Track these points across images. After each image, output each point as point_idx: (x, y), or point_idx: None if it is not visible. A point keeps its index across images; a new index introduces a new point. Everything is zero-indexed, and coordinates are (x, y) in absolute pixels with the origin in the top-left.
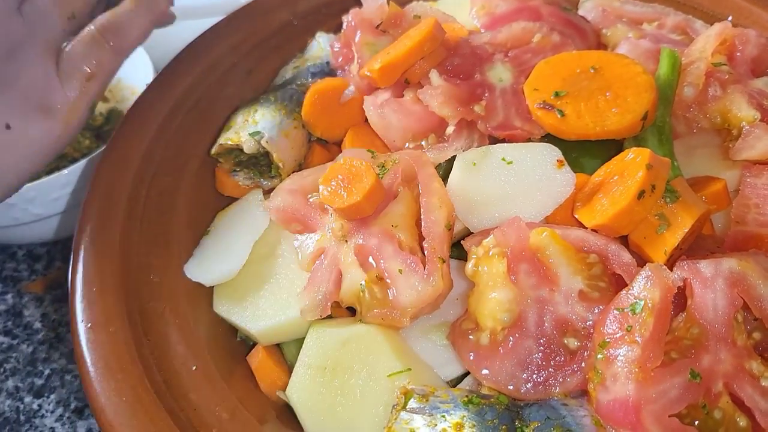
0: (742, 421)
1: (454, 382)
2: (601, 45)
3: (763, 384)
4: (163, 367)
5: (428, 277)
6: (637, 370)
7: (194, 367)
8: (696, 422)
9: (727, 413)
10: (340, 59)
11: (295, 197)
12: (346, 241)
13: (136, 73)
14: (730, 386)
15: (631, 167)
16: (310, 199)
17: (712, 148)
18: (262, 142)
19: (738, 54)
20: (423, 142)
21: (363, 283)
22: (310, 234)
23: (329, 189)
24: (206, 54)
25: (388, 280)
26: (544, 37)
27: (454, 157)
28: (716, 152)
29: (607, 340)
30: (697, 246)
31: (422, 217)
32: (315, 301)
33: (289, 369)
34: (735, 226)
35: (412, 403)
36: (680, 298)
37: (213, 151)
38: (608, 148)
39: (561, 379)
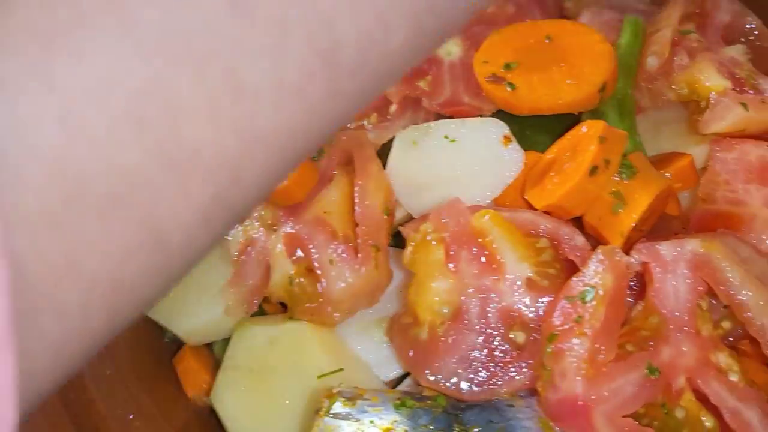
0: (708, 421)
1: (395, 383)
2: (563, 18)
3: (731, 379)
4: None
5: (360, 267)
6: (586, 365)
7: (108, 372)
8: (655, 423)
9: (691, 412)
10: None
11: None
12: (275, 230)
13: None
14: (694, 382)
15: (584, 141)
16: None
17: (679, 124)
18: None
19: (708, 21)
20: (365, 122)
21: (292, 275)
22: (238, 225)
23: None
24: None
25: (318, 272)
26: (498, 7)
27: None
28: (684, 128)
29: (556, 332)
30: (660, 227)
31: (355, 202)
32: (240, 296)
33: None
34: (702, 204)
35: (337, 407)
36: (641, 285)
37: None
38: (564, 123)
39: (507, 378)
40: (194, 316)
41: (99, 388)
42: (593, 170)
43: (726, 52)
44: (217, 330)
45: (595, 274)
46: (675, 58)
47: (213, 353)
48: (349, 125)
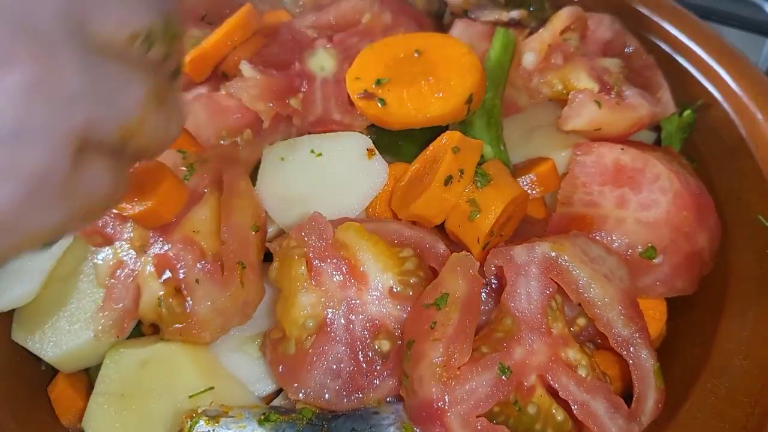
0: (559, 415)
1: (270, 399)
2: (440, 29)
3: (580, 373)
4: None
5: (225, 286)
6: (440, 370)
7: None
8: (510, 420)
9: (543, 407)
10: None
11: None
12: (145, 251)
13: None
14: (545, 378)
15: (441, 151)
16: None
17: (549, 129)
18: None
19: (589, 34)
20: (238, 139)
21: (161, 296)
22: (107, 247)
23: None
24: None
25: (184, 292)
26: (374, 17)
27: None
28: (553, 132)
29: (413, 339)
30: (524, 231)
31: (222, 220)
32: (111, 320)
33: None
34: (560, 207)
35: (201, 427)
36: (500, 289)
37: None
38: (433, 134)
39: (374, 386)
40: (65, 343)
41: None
42: (447, 180)
43: (601, 62)
44: (90, 356)
45: (449, 280)
46: (551, 58)
47: (90, 379)
48: (222, 141)
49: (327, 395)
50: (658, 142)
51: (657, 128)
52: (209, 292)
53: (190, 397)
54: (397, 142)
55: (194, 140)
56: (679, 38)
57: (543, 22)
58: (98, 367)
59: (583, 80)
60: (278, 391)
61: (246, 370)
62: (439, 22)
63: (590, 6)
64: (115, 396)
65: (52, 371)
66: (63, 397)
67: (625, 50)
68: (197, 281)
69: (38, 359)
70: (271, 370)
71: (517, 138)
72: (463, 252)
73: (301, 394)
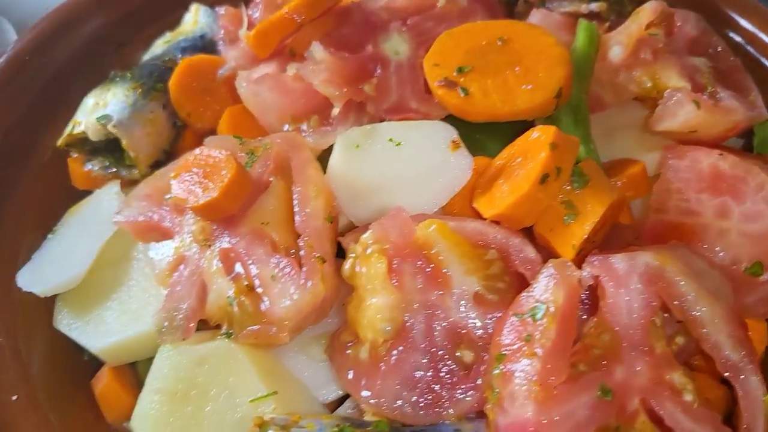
0: None
1: (334, 405)
2: (512, 18)
3: (686, 398)
4: None
5: (305, 281)
6: (537, 388)
7: (15, 397)
8: None
9: None
10: (223, 32)
11: (148, 203)
12: (210, 246)
13: None
14: (648, 402)
15: (534, 147)
16: (167, 197)
17: (633, 130)
18: (109, 127)
19: (676, 30)
20: (304, 126)
21: (231, 294)
22: (167, 241)
23: (182, 186)
24: (67, 24)
25: (259, 290)
26: (449, 2)
27: None
28: (637, 133)
29: (504, 352)
30: (612, 237)
31: (296, 209)
32: (174, 321)
33: None
34: (654, 214)
35: None
36: (593, 300)
37: (60, 141)
38: (517, 129)
39: (454, 400)
40: (112, 334)
41: (3, 417)
42: (544, 178)
43: (690, 60)
44: (140, 350)
45: (546, 290)
46: (640, 53)
47: (137, 374)
48: (285, 127)
49: (402, 407)
50: (744, 149)
51: (743, 134)
52: (287, 289)
53: (250, 401)
54: (474, 135)
55: (255, 124)
56: (765, 40)
57: (621, 16)
58: (146, 361)
59: (674, 79)
60: (343, 398)
61: (309, 374)
62: (511, 10)
63: (671, 2)
64: (168, 395)
65: (96, 363)
66: (108, 392)
67: (710, 50)
68: (273, 278)
69: (80, 349)
70: (338, 375)
71: (597, 138)
72: (562, 258)
73: (373, 403)
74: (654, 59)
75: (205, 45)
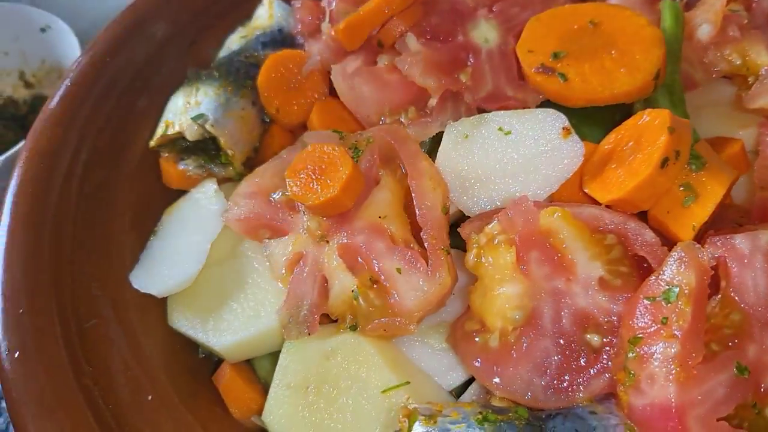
0: None
1: (458, 391)
2: None
3: None
4: (110, 401)
5: (433, 273)
6: (678, 369)
7: (150, 397)
8: (745, 424)
9: None
10: (301, 26)
11: (256, 200)
12: (327, 241)
13: (62, 52)
14: None
15: (650, 131)
16: (274, 197)
17: (721, 107)
18: (207, 127)
19: (755, 5)
20: (402, 117)
21: (355, 289)
22: (281, 239)
23: (299, 183)
24: (140, 25)
25: (385, 283)
26: None
27: (437, 134)
28: (726, 110)
29: (639, 335)
30: (720, 218)
31: (415, 203)
32: (300, 316)
33: (264, 387)
34: (761, 192)
35: (418, 427)
36: (712, 280)
37: (152, 142)
38: (612, 113)
39: (585, 383)
40: (235, 332)
41: (143, 417)
42: (664, 162)
43: None
44: (261, 346)
45: (678, 272)
46: (728, 30)
47: (253, 369)
48: (383, 119)
49: (533, 392)
50: None
51: None
52: (415, 282)
53: (383, 391)
54: (571, 121)
55: (353, 117)
56: None
57: None
58: (264, 357)
59: (763, 54)
60: (465, 384)
61: (431, 362)
62: None
63: None
64: (299, 390)
65: (210, 359)
66: (232, 387)
67: None
68: (399, 270)
69: (195, 346)
70: (465, 363)
71: None
72: (689, 241)
73: (506, 390)
74: (741, 36)
75: (284, 39)
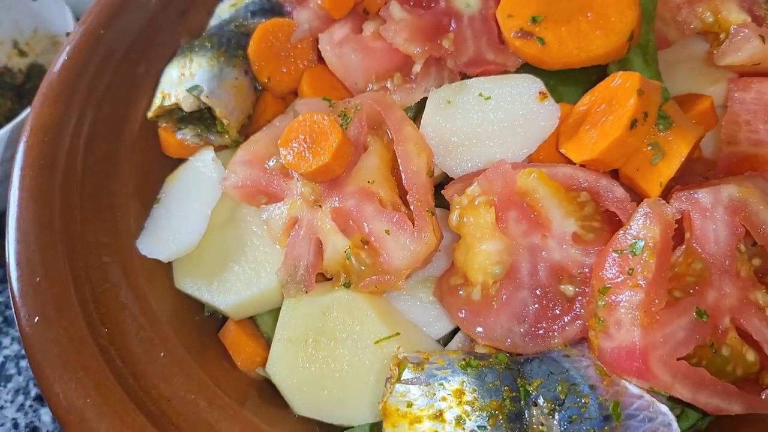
0: (750, 356)
1: (445, 340)
2: None
3: None
4: (127, 359)
5: (419, 234)
6: (642, 315)
7: (162, 354)
8: (703, 362)
9: (735, 349)
10: None
11: (252, 168)
12: (320, 206)
13: (53, 20)
14: (737, 320)
15: (620, 94)
16: (269, 164)
17: (693, 63)
18: (202, 98)
19: None
20: (388, 83)
21: (348, 250)
22: (277, 204)
23: (292, 152)
24: None
25: (375, 244)
26: None
27: (421, 100)
28: (698, 66)
29: (608, 285)
30: (687, 172)
31: (401, 167)
32: (297, 276)
33: (267, 341)
34: (727, 147)
35: (407, 374)
36: (678, 231)
37: (150, 113)
38: (589, 73)
39: (560, 329)
40: (237, 292)
41: (157, 372)
42: (633, 123)
43: None
44: (262, 304)
45: (643, 227)
46: None
47: (256, 324)
48: (370, 86)
49: (513, 338)
50: None
51: None
52: (403, 242)
53: (376, 342)
54: (548, 82)
55: (334, 83)
56: None
57: None
58: (266, 313)
59: (734, 12)
60: (452, 333)
61: (419, 314)
62: None
63: None
64: (299, 343)
65: (214, 318)
66: (238, 342)
67: None
68: (387, 232)
69: (200, 305)
70: (450, 314)
71: (661, 73)
72: (655, 197)
73: (488, 338)
74: None
75: (272, 7)
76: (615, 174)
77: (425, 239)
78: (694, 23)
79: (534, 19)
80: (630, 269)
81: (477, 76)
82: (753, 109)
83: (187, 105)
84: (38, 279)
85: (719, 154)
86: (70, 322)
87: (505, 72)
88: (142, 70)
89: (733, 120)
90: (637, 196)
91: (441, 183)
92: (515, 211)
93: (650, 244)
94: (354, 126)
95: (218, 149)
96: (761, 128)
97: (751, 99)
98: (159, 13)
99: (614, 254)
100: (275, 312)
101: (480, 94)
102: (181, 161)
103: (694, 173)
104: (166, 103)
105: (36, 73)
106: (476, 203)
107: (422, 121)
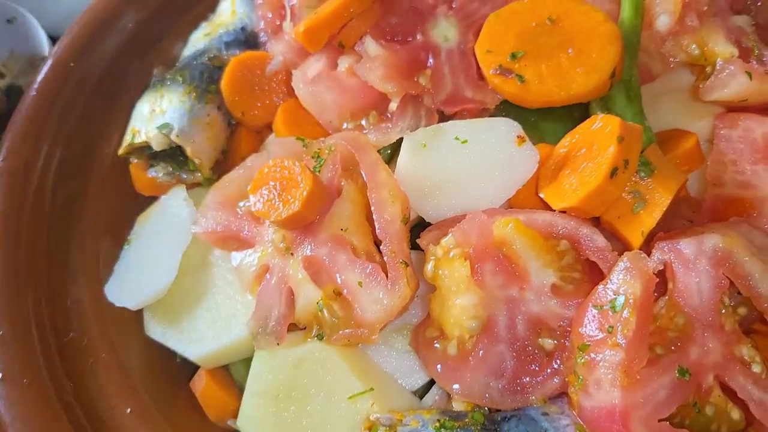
0: (735, 414)
1: (421, 391)
2: None
3: (754, 370)
4: (92, 417)
5: (393, 286)
6: (621, 375)
7: (128, 410)
8: (686, 422)
9: (719, 407)
10: (263, 23)
11: (223, 212)
12: (292, 254)
13: (30, 43)
14: (721, 377)
15: (601, 139)
16: (241, 206)
17: (679, 95)
18: (172, 137)
19: None
20: (363, 121)
21: (320, 301)
22: (248, 251)
23: (262, 200)
24: (105, 22)
25: (348, 296)
26: None
27: (400, 138)
28: (684, 99)
29: (587, 342)
30: (672, 214)
31: (374, 216)
32: (268, 327)
33: (239, 390)
34: (712, 189)
35: None
36: (660, 280)
37: (120, 150)
38: (571, 109)
39: (539, 384)
40: (208, 342)
41: (125, 427)
42: (613, 172)
43: (734, 20)
44: (234, 354)
45: (623, 282)
46: (686, 19)
47: (229, 373)
48: (345, 124)
49: (490, 394)
50: None
51: None
52: (376, 295)
53: (349, 398)
54: (529, 119)
55: (310, 119)
56: None
57: None
58: (239, 362)
59: (721, 44)
60: (427, 385)
61: (395, 364)
62: None
63: None
64: (270, 397)
65: (188, 364)
66: (209, 393)
67: (749, 3)
68: (360, 284)
69: (172, 352)
70: (426, 368)
71: (645, 105)
72: (636, 251)
73: (464, 394)
74: (700, 24)
75: (247, 38)
76: (596, 219)
77: (399, 292)
78: (680, 56)
79: (513, 55)
80: (610, 327)
81: (455, 114)
82: (739, 147)
83: (157, 144)
84: (1, 333)
85: (705, 194)
86: (34, 379)
87: (485, 109)
88: (114, 103)
89: (719, 159)
90: (619, 242)
91: (420, 223)
92: (492, 263)
93: (630, 301)
94: (327, 169)
95: (191, 186)
96: (747, 169)
97: (737, 137)
98: (132, 43)
99: (594, 310)
100: (248, 360)
101: (456, 138)
102: (154, 198)
103: (679, 215)
104: (137, 140)
105: (14, 93)
106: (451, 255)
107: (397, 165)
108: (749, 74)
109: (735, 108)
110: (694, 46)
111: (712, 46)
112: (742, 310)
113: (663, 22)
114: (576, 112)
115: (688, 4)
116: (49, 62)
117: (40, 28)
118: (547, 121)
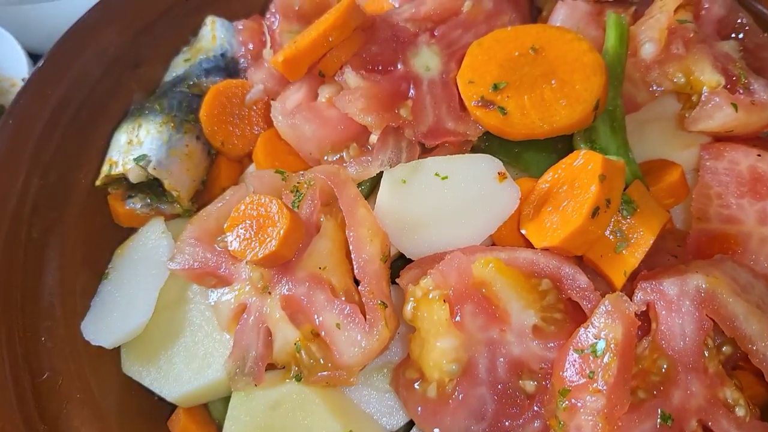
0: None
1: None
2: (535, 8)
3: (738, 413)
4: None
5: (371, 328)
6: (603, 422)
7: None
8: None
9: None
10: (244, 49)
11: (201, 247)
12: (270, 292)
13: (9, 64)
14: (705, 421)
15: (582, 177)
16: (219, 242)
17: (664, 123)
18: (149, 169)
19: (704, 12)
20: (344, 154)
21: (298, 342)
22: (225, 289)
23: (238, 239)
24: (85, 46)
25: (326, 337)
26: (474, 5)
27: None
28: (670, 127)
29: (568, 387)
30: (656, 249)
31: (353, 255)
32: (246, 368)
33: (219, 429)
34: (697, 223)
35: None
36: (644, 320)
37: (98, 181)
38: (555, 141)
39: (520, 428)
40: (185, 382)
41: None
42: (595, 212)
43: (721, 46)
44: (212, 394)
45: (605, 326)
46: (672, 47)
47: (208, 410)
48: (326, 157)
49: None
50: None
51: None
52: (354, 337)
53: None
54: (513, 149)
55: (290, 148)
56: None
57: None
58: (218, 400)
59: (707, 72)
60: (408, 425)
61: (374, 405)
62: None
63: None
64: None
65: (166, 404)
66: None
67: (737, 28)
68: (338, 325)
69: (149, 390)
70: (407, 410)
71: (630, 133)
72: (618, 293)
73: None
74: (686, 52)
75: (227, 64)
76: (580, 257)
77: (377, 335)
78: (665, 84)
79: (496, 86)
80: (591, 372)
81: (437, 146)
82: (725, 180)
83: (135, 176)
84: None
85: (689, 227)
86: (6, 423)
87: (467, 141)
88: (93, 129)
89: (704, 192)
90: (603, 281)
91: (401, 257)
92: (472, 305)
93: (612, 345)
94: (306, 204)
95: (170, 217)
96: (733, 203)
97: (723, 169)
98: (111, 68)
99: (575, 354)
100: (227, 398)
101: (437, 174)
102: (132, 230)
103: (664, 250)
104: (114, 171)
105: None
106: (430, 297)
107: (377, 201)
108: (735, 106)
109: (721, 137)
110: (680, 74)
111: (698, 74)
112: (726, 349)
113: (648, 50)
114: (560, 144)
115: (674, 31)
116: (25, 87)
117: (20, 47)
118: (531, 152)
